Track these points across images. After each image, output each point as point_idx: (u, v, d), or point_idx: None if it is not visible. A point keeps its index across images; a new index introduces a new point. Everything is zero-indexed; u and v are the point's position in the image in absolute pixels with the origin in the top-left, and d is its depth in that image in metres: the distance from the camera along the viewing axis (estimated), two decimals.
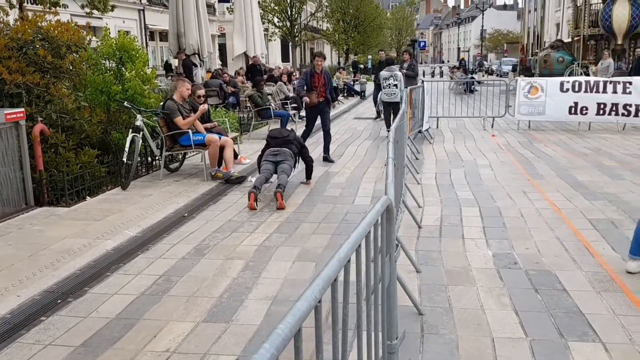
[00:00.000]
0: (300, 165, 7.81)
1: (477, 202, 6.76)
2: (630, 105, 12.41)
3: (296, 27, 35.65)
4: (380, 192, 7.29)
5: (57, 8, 10.92)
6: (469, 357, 3.30)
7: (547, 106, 13.02)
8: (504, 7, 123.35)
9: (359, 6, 43.20)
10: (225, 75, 16.23)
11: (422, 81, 13.15)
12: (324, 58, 9.56)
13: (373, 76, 16.44)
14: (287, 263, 4.89)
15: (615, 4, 22.27)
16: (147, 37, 29.12)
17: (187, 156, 9.16)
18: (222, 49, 37.02)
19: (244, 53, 16.78)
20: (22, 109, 6.37)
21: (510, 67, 42.44)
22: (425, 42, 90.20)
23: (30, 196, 6.45)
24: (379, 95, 13.77)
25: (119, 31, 9.77)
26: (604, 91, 12.60)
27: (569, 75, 18.88)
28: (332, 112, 16.82)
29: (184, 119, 7.91)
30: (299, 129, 13.62)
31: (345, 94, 23.80)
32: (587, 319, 3.72)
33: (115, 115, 8.22)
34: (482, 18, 65.16)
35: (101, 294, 4.30)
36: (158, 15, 28.86)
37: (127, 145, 7.40)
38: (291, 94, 15.34)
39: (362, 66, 39.28)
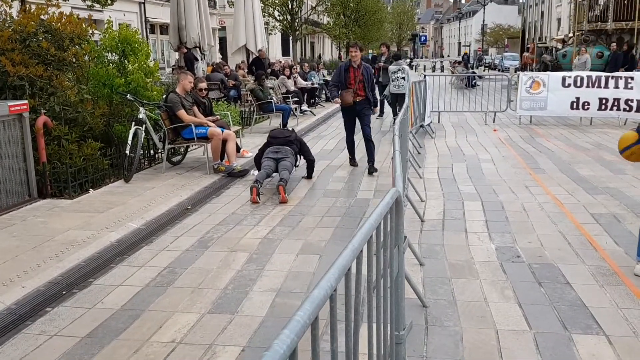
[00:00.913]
0: (301, 163, 7.83)
1: (479, 196, 6.78)
2: (632, 101, 12.41)
3: (297, 20, 35.56)
4: (383, 186, 7.31)
5: (59, 1, 10.88)
6: (473, 349, 3.32)
7: (548, 101, 13.02)
8: (505, 1, 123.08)
9: (359, 0, 43.07)
10: (227, 68, 16.20)
11: (425, 75, 13.14)
12: (360, 48, 7.99)
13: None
14: (291, 256, 4.90)
15: None
16: (148, 30, 29.07)
17: (189, 149, 9.17)
18: (223, 42, 36.97)
19: (244, 46, 16.75)
20: (26, 101, 6.37)
21: (515, 63, 40.39)
22: (426, 36, 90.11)
23: (34, 188, 6.46)
24: (384, 91, 13.61)
25: (119, 24, 9.76)
26: (606, 86, 12.61)
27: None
28: (334, 108, 16.74)
29: (186, 111, 7.91)
30: (301, 122, 13.67)
31: None
32: (590, 312, 3.74)
33: (118, 107, 8.22)
34: (484, 12, 64.97)
35: (106, 285, 4.32)
36: (159, 8, 28.82)
37: (130, 138, 7.41)
38: (292, 88, 15.34)
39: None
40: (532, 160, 9.04)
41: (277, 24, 35.23)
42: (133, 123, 7.58)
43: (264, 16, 24.28)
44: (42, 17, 7.22)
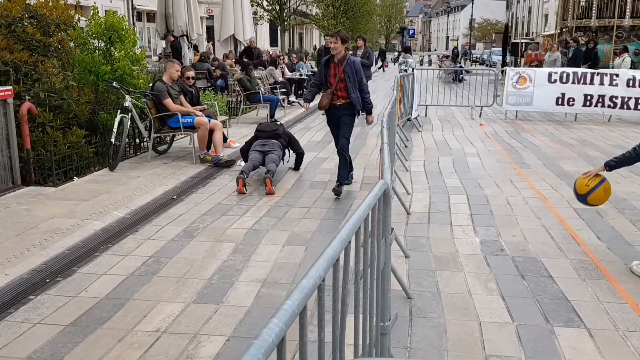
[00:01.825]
0: (291, 157, 7.83)
1: (464, 190, 6.83)
2: (617, 97, 12.55)
3: (285, 11, 35.38)
4: (369, 179, 7.33)
5: None
6: (457, 341, 3.36)
7: (534, 97, 13.12)
8: None
9: None
10: (216, 62, 16.05)
11: (413, 69, 13.18)
12: (344, 39, 6.25)
13: None
14: (277, 247, 4.91)
15: None
16: (134, 17, 28.72)
17: (175, 138, 9.11)
18: (210, 31, 36.65)
19: (232, 36, 16.65)
20: (10, 87, 6.29)
21: (500, 58, 38.50)
22: (414, 30, 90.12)
23: (17, 175, 6.39)
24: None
25: (106, 11, 9.64)
26: (591, 83, 12.73)
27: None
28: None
29: (173, 100, 7.85)
30: (288, 114, 13.63)
31: None
32: (572, 305, 3.80)
33: (103, 95, 8.14)
34: (472, 7, 65.10)
35: (90, 274, 4.29)
36: None
37: (116, 126, 7.34)
38: (281, 79, 15.28)
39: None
40: (517, 155, 9.11)
41: (266, 13, 35.04)
42: (119, 111, 7.51)
43: (252, 5, 24.12)
44: (27, 2, 7.11)
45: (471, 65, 44.68)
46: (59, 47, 7.32)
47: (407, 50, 14.75)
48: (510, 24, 42.02)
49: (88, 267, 4.44)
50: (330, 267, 1.49)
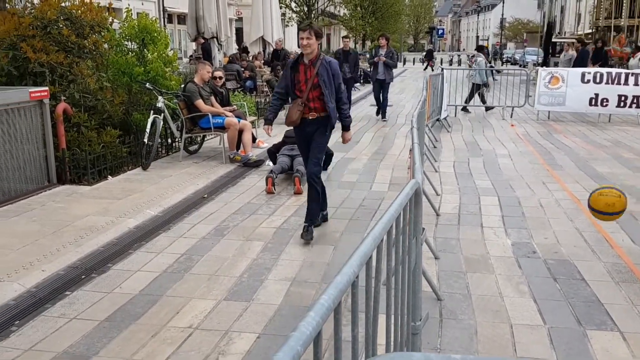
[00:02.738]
0: None
1: (496, 192, 6.75)
2: None
3: (313, 12, 35.48)
4: (398, 179, 7.31)
5: None
6: (488, 343, 3.33)
7: (567, 97, 12.90)
8: None
9: None
10: (244, 62, 16.20)
11: (442, 69, 13.08)
12: (318, 34, 4.90)
13: (371, 67, 13.85)
14: (306, 246, 4.93)
15: None
16: (165, 19, 29.16)
17: (206, 139, 9.22)
18: (240, 33, 36.95)
19: (261, 37, 16.78)
20: (46, 88, 6.45)
21: (534, 58, 36.66)
22: (443, 29, 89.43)
23: (53, 174, 6.55)
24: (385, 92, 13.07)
25: (138, 13, 9.81)
26: (626, 83, 12.46)
27: None
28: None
29: (204, 101, 7.96)
30: None
31: (362, 81, 23.66)
32: (605, 309, 3.73)
33: (136, 96, 8.29)
34: (502, 6, 64.29)
35: (124, 271, 4.38)
36: None
37: (149, 126, 7.47)
38: None
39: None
40: (549, 156, 8.97)
41: (294, 15, 35.20)
42: (151, 112, 7.65)
43: (280, 7, 24.27)
44: (62, 4, 7.29)
45: (502, 65, 44.10)
46: (94, 48, 7.48)
47: (480, 49, 15.70)
48: (542, 23, 41.32)
49: (122, 264, 4.53)
50: (363, 265, 1.51)
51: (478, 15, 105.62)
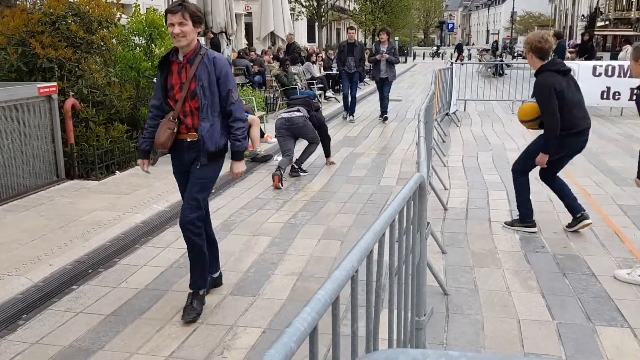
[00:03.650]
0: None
1: (504, 186, 6.69)
2: None
3: (323, 7, 35.38)
4: (406, 174, 7.27)
5: None
6: (494, 338, 3.30)
7: None
8: None
9: None
10: (252, 54, 16.21)
11: (451, 63, 12.98)
12: (194, 18, 3.39)
13: (371, 66, 12.49)
14: (313, 241, 4.92)
15: None
16: None
17: None
18: (249, 28, 36.92)
19: (272, 32, 16.73)
20: (55, 83, 6.47)
21: None
22: (453, 24, 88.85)
23: (62, 169, 6.58)
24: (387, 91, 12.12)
25: (147, 8, 9.80)
26: None
27: None
28: (363, 91, 16.57)
29: None
30: (325, 109, 13.61)
31: (370, 76, 23.49)
32: (615, 304, 3.68)
33: (144, 91, 8.29)
34: (513, 0, 63.79)
35: (131, 265, 4.39)
36: None
37: None
38: (318, 75, 15.29)
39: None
40: None
41: (304, 9, 35.12)
42: None
43: (289, 2, 24.21)
44: (71, 0, 7.30)
45: (513, 59, 43.78)
46: (102, 44, 7.49)
47: (627, 40, 15.91)
48: (554, 17, 40.96)
49: (129, 258, 4.54)
50: (363, 259, 1.48)
51: (488, 9, 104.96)
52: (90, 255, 4.53)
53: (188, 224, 3.53)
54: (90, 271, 4.28)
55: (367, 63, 12.79)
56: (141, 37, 8.40)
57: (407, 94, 18.38)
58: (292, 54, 17.06)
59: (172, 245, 4.82)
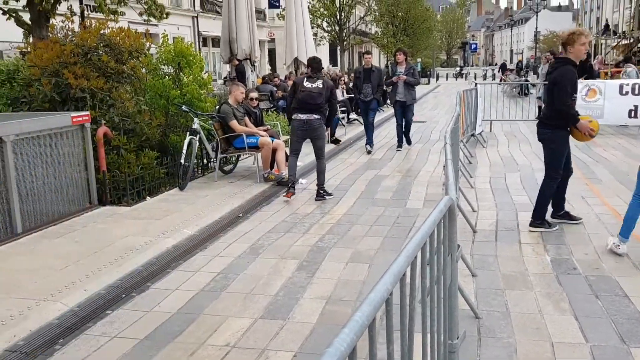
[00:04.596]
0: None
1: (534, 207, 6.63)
2: None
3: (345, 31, 35.78)
4: (433, 196, 7.26)
5: (117, 16, 11.34)
6: None
7: (605, 109, 12.61)
8: (559, 8, 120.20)
9: (408, 9, 42.99)
10: (276, 79, 16.45)
11: (476, 84, 12.99)
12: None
13: (389, 88, 11.43)
14: (341, 264, 4.93)
15: None
16: (200, 43, 29.83)
17: (240, 158, 9.35)
18: (272, 54, 37.49)
19: (296, 58, 16.96)
20: (87, 113, 6.67)
21: None
22: (476, 44, 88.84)
23: (94, 195, 6.74)
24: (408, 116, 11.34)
25: (174, 38, 10.06)
26: None
27: None
28: (383, 116, 16.56)
29: (238, 122, 8.10)
30: (349, 132, 13.71)
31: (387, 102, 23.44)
32: None
33: (173, 118, 8.49)
34: (536, 19, 63.61)
35: (163, 290, 4.46)
36: (210, 22, 29.53)
37: (185, 147, 7.63)
38: (341, 98, 15.39)
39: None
40: (588, 170, 8.78)
41: (326, 34, 35.53)
42: (188, 133, 7.81)
43: (312, 27, 24.56)
44: (102, 31, 7.55)
45: (537, 79, 43.52)
46: (132, 73, 7.71)
47: (627, 60, 16.26)
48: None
49: (161, 283, 4.61)
50: (397, 282, 1.52)
51: (511, 29, 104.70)
52: (124, 280, 4.61)
53: None
54: (123, 296, 4.36)
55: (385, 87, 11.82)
56: (170, 66, 8.62)
57: (431, 115, 18.38)
58: None
59: (203, 269, 4.88)
